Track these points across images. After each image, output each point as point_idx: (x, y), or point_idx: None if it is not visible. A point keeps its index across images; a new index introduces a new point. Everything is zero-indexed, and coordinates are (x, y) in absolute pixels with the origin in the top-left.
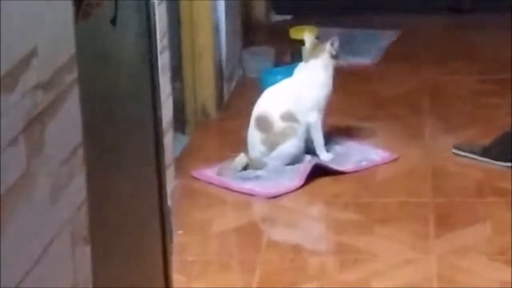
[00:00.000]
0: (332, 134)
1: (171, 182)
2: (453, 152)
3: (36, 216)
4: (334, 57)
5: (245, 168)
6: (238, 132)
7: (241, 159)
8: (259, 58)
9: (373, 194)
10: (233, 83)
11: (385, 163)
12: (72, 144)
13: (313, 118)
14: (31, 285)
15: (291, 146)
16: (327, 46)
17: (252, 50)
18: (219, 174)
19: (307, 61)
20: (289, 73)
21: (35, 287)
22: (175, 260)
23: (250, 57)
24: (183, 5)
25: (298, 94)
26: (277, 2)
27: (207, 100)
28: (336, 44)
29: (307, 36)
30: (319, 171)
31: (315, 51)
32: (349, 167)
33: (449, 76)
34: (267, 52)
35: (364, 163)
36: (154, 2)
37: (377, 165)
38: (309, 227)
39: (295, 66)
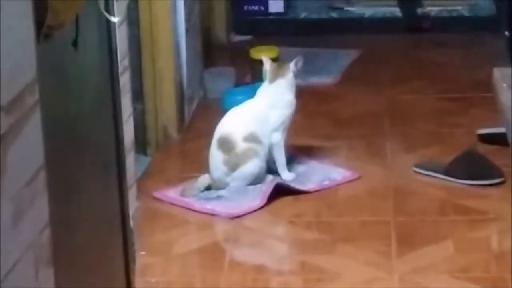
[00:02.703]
0: (294, 154)
1: (133, 203)
2: (414, 171)
3: None
4: (297, 76)
5: (207, 188)
6: (200, 153)
7: (203, 179)
8: (220, 78)
9: (335, 213)
10: (194, 104)
11: (347, 182)
12: (34, 167)
13: (277, 139)
14: None
15: (253, 166)
16: (292, 65)
17: (213, 71)
18: (182, 194)
19: (271, 81)
20: (250, 93)
21: None
22: (138, 282)
23: (211, 77)
24: (143, 26)
25: (263, 115)
26: (237, 22)
27: (168, 121)
28: (300, 63)
29: (265, 57)
30: (281, 191)
31: (279, 71)
32: (311, 186)
33: (410, 95)
34: (228, 73)
35: (326, 182)
36: (114, 24)
37: (339, 184)
38: (272, 246)
39: (256, 86)
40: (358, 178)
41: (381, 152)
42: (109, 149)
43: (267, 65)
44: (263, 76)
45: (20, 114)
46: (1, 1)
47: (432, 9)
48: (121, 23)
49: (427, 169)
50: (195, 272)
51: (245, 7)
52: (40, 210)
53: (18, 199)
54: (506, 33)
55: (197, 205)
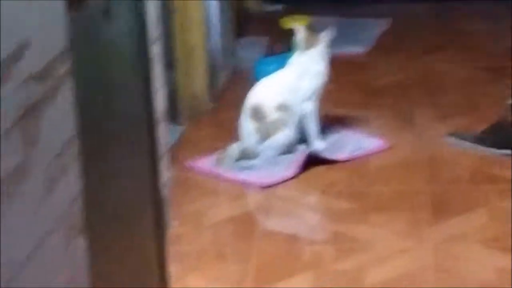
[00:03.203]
0: (325, 124)
1: (165, 173)
2: (447, 140)
3: (30, 209)
4: (329, 46)
5: (239, 158)
6: (232, 122)
7: (235, 148)
8: (252, 48)
9: (367, 183)
10: (226, 73)
11: (379, 151)
12: (66, 136)
13: (309, 108)
14: (27, 277)
15: (284, 136)
16: (323, 35)
17: (245, 40)
18: (216, 164)
19: (303, 51)
20: (282, 63)
21: (31, 279)
22: (170, 251)
23: (242, 47)
24: None
25: (295, 85)
26: None
27: (200, 90)
28: (332, 33)
29: (299, 26)
30: (313, 160)
31: (311, 40)
32: (342, 156)
33: (442, 64)
34: (259, 42)
35: (357, 152)
36: None
37: (370, 154)
38: (304, 216)
39: (288, 55)
40: (390, 147)
41: (413, 122)
42: (141, 118)
43: (300, 34)
44: (294, 45)
45: (52, 83)
46: None
47: None
48: None
49: (458, 138)
50: (226, 242)
51: None
52: (71, 181)
53: (50, 170)
54: None
55: (229, 174)
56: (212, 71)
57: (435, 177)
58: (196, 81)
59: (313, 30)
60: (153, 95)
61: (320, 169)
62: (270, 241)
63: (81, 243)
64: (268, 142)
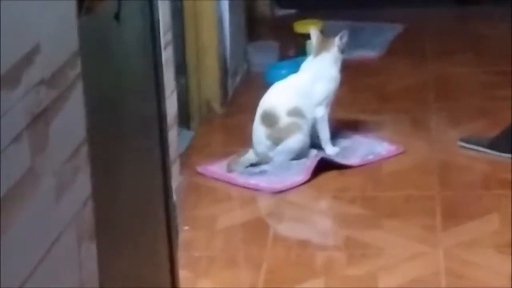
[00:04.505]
0: (338, 128)
1: (176, 178)
2: (460, 145)
3: (40, 214)
4: (342, 51)
5: (252, 164)
6: (243, 127)
7: (250, 154)
8: (264, 52)
9: (379, 188)
10: (238, 78)
11: (391, 156)
12: (76, 141)
13: (321, 113)
14: (37, 282)
15: (296, 141)
16: (337, 40)
17: (257, 45)
18: (228, 170)
19: (316, 55)
20: (294, 68)
21: (41, 284)
22: (181, 256)
23: (254, 51)
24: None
25: (307, 89)
26: None
27: (211, 95)
28: (345, 37)
29: (313, 30)
30: (325, 165)
31: (324, 45)
32: (355, 161)
33: (455, 69)
34: (271, 47)
35: (370, 157)
36: None
37: (383, 159)
38: (315, 221)
39: (300, 60)
40: (403, 152)
41: (426, 126)
42: (152, 123)
43: (314, 38)
44: (307, 50)
45: (62, 87)
46: None
47: None
48: None
49: (472, 143)
50: (238, 247)
51: None
52: (82, 184)
53: (61, 173)
54: None
55: (241, 180)
56: (224, 75)
57: (448, 183)
58: (208, 85)
59: (326, 34)
60: (164, 99)
61: (332, 174)
62: (282, 246)
63: (91, 247)
64: (279, 148)
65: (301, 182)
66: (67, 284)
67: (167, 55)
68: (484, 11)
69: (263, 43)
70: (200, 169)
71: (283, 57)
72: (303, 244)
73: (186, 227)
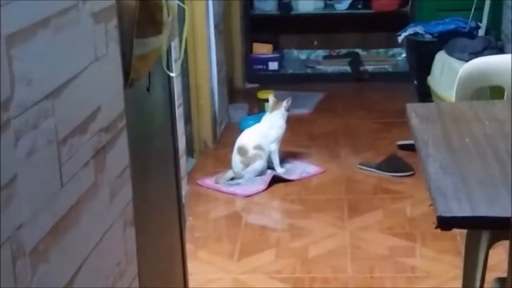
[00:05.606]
0: (284, 156)
1: (184, 188)
2: (359, 167)
3: (100, 210)
4: (287, 110)
5: (231, 178)
6: (226, 156)
7: (229, 173)
8: (238, 110)
9: (310, 193)
10: (223, 126)
11: (317, 174)
12: (123, 165)
13: (274, 147)
14: (98, 253)
15: (259, 165)
16: (284, 103)
17: (234, 106)
18: (216, 182)
19: (271, 112)
20: (257, 120)
21: (101, 255)
22: (187, 236)
23: (233, 110)
24: (191, 77)
25: (266, 133)
26: (249, 75)
27: (207, 136)
28: (289, 101)
29: (270, 96)
30: (276, 180)
31: (276, 105)
32: (295, 177)
33: (355, 120)
34: (243, 107)
35: (304, 174)
36: (172, 77)
37: (312, 176)
38: (270, 214)
39: (261, 115)
40: (323, 172)
41: (337, 155)
42: (170, 153)
43: (270, 101)
44: (265, 109)
45: (114, 133)
46: (105, 63)
47: (369, 67)
48: (177, 76)
49: (366, 166)
50: (223, 230)
51: (254, 66)
52: (126, 192)
53: (113, 185)
54: (415, 82)
55: (224, 188)
56: (214, 124)
57: (351, 190)
58: (204, 130)
59: (277, 99)
60: (177, 139)
61: (280, 185)
62: (250, 230)
63: (132, 231)
64: (248, 169)
65: (261, 190)
66: (116, 255)
67: (179, 112)
68: (372, 85)
69: (238, 105)
70: (199, 182)
71: (250, 113)
72: (263, 228)
73: (190, 218)
